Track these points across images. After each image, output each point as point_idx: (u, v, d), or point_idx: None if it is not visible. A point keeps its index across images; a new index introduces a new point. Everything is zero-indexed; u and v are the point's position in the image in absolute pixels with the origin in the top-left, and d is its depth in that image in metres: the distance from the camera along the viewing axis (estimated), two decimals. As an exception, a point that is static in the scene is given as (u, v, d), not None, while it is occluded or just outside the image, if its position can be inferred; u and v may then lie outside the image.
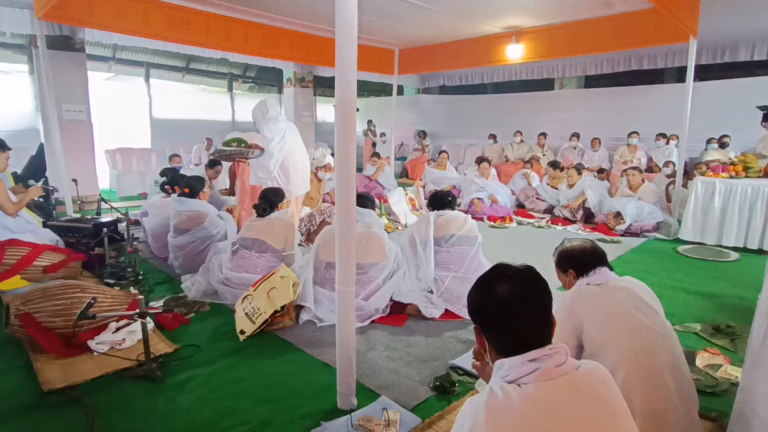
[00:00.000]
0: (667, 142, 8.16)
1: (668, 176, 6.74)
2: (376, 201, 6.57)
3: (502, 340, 1.11)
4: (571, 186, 6.63)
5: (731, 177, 5.08)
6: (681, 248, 5.04)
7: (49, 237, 4.04)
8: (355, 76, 1.92)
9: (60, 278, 3.44)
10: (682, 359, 1.71)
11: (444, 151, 8.63)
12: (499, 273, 1.15)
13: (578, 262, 1.87)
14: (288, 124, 4.50)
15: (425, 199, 7.18)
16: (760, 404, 1.51)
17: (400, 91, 13.38)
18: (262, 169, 4.28)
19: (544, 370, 1.02)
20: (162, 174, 5.34)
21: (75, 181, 5.38)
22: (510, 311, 1.09)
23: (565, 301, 1.75)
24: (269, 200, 3.64)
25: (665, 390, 1.60)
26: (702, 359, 2.51)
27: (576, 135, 9.38)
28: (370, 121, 11.98)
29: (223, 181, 6.02)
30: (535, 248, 5.06)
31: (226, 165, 5.82)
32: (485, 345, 1.14)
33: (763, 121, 5.64)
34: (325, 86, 13.52)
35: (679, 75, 9.55)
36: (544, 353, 1.05)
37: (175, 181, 4.66)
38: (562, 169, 7.39)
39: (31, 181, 4.67)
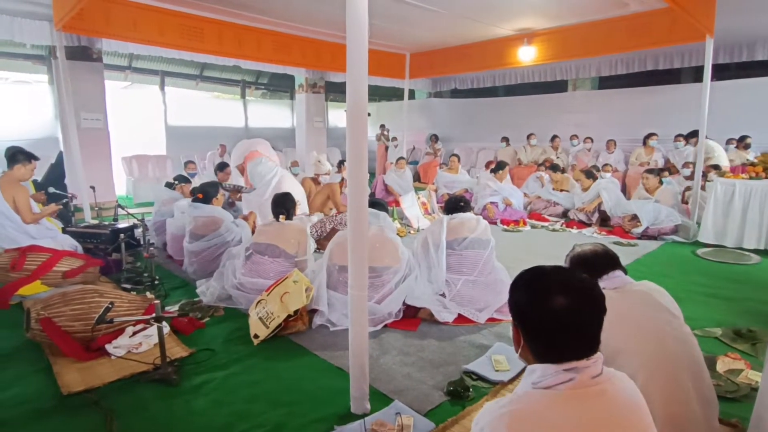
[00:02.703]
0: (686, 143, 8.00)
1: (686, 178, 6.62)
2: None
3: (544, 349, 1.03)
4: (585, 190, 6.55)
5: (751, 178, 4.97)
6: (700, 251, 4.94)
7: (69, 243, 4.14)
8: (366, 81, 1.93)
9: (78, 283, 3.51)
10: (702, 364, 1.67)
11: (455, 155, 8.60)
12: (559, 282, 1.04)
13: (591, 265, 1.83)
14: (281, 169, 5.47)
15: (438, 203, 7.17)
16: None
17: (412, 95, 13.39)
18: (253, 203, 5.10)
19: (580, 381, 0.97)
20: (175, 179, 5.43)
21: (93, 188, 5.49)
22: (564, 328, 1.00)
23: None
24: (288, 205, 3.65)
25: (685, 395, 1.57)
26: (722, 364, 2.45)
27: (587, 138, 9.29)
28: (383, 126, 12.01)
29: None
30: (549, 252, 4.99)
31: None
32: (520, 342, 1.08)
33: None
34: (336, 91, 13.60)
35: (695, 74, 9.39)
36: (582, 364, 0.99)
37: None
38: (563, 172, 7.33)
39: (51, 189, 4.78)
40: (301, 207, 5.30)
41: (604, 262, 1.83)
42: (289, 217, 3.63)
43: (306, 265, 3.51)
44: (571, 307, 1.00)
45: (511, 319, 1.12)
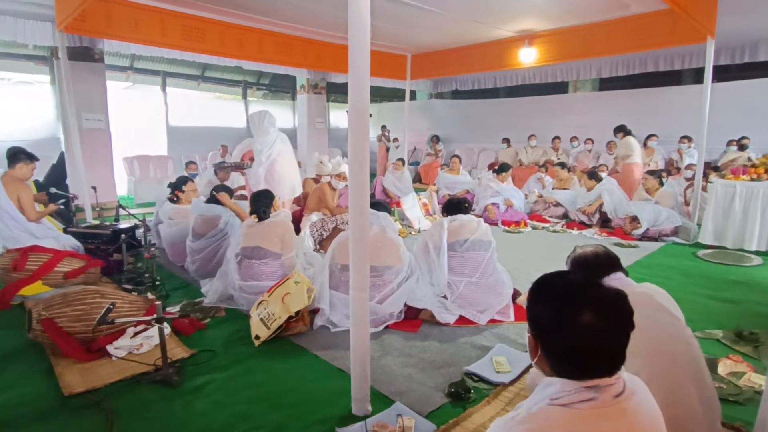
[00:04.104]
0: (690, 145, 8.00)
1: (688, 179, 6.62)
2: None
3: (566, 367, 0.97)
4: (589, 190, 6.54)
5: (752, 179, 4.97)
6: (701, 252, 4.93)
7: (71, 243, 4.15)
8: (368, 82, 1.93)
9: (80, 284, 3.52)
10: (704, 367, 1.67)
11: (456, 156, 8.61)
12: (588, 297, 0.97)
13: (592, 268, 1.84)
14: (279, 135, 4.84)
15: (439, 204, 7.17)
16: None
17: (413, 96, 13.40)
18: (253, 177, 4.74)
19: (602, 401, 0.91)
20: (178, 180, 5.44)
21: (94, 188, 5.50)
22: (590, 347, 0.94)
23: None
24: (262, 203, 3.56)
25: (687, 398, 1.56)
26: (724, 367, 2.44)
27: (587, 139, 9.33)
28: (384, 127, 12.03)
29: (237, 182, 6.13)
30: (550, 253, 5.00)
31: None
32: (537, 352, 1.02)
33: None
34: (338, 92, 13.62)
35: (696, 76, 9.39)
36: (605, 382, 0.94)
37: (177, 186, 4.78)
38: (569, 170, 7.33)
39: (52, 189, 4.78)
40: (294, 191, 5.08)
41: (604, 263, 1.83)
42: (261, 217, 3.50)
43: (294, 262, 3.46)
44: (600, 326, 0.93)
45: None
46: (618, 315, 0.96)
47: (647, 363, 1.56)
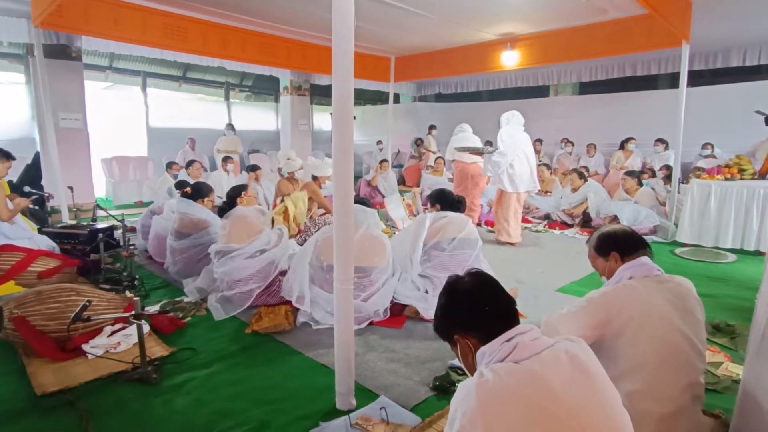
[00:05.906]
0: (666, 148, 8.19)
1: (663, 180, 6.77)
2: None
3: (482, 323, 1.17)
4: (574, 190, 6.61)
5: (726, 179, 5.11)
6: (678, 250, 5.05)
7: (46, 243, 4.01)
8: (352, 82, 1.93)
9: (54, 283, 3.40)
10: (702, 372, 1.65)
11: (440, 157, 8.65)
12: (453, 281, 1.29)
13: (622, 242, 1.79)
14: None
15: (423, 205, 7.19)
16: (763, 396, 1.50)
17: (396, 99, 13.45)
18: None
19: (521, 344, 1.08)
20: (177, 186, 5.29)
21: (71, 188, 5.36)
22: (478, 295, 1.22)
23: (605, 295, 1.67)
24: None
25: (682, 399, 1.57)
26: (703, 357, 2.49)
27: (568, 141, 9.48)
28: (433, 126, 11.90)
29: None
30: (532, 252, 5.05)
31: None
32: (470, 346, 1.19)
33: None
34: (321, 95, 13.57)
35: (672, 81, 9.62)
36: (518, 331, 1.11)
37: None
38: (552, 172, 7.44)
39: (26, 188, 4.63)
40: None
41: (634, 240, 1.79)
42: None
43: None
44: (473, 284, 1.25)
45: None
46: (479, 273, 1.30)
47: (656, 369, 1.55)
